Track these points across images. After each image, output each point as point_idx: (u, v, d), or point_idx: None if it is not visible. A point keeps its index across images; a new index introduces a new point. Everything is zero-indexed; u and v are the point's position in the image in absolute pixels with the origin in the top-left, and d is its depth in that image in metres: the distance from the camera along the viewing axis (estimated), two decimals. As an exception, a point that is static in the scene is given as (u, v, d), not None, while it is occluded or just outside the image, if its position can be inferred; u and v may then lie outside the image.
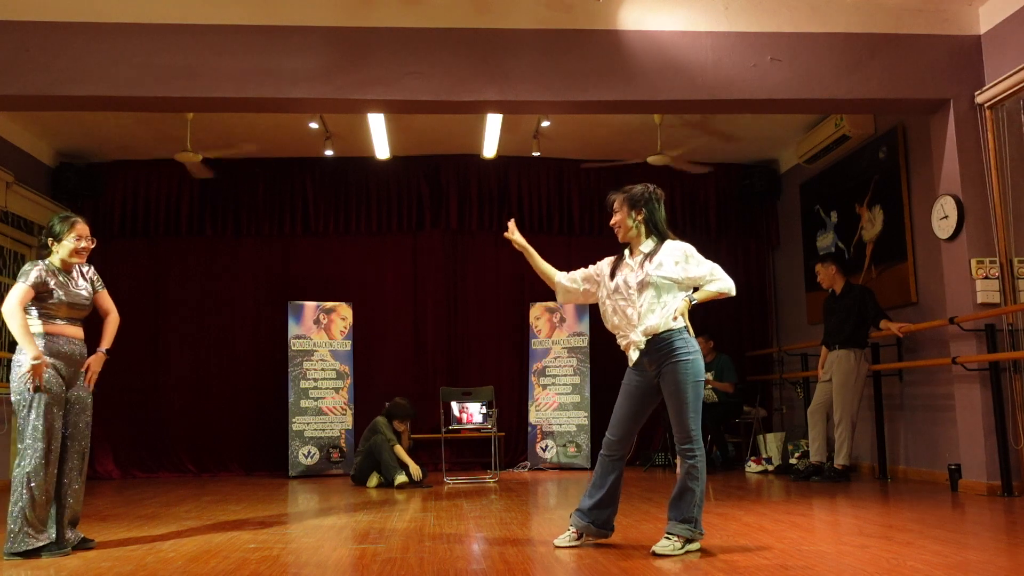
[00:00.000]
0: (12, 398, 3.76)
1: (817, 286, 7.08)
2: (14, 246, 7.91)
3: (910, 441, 6.76)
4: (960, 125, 5.82)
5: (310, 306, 8.26)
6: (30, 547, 3.66)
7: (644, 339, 3.66)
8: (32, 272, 3.83)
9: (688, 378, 3.61)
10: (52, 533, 3.76)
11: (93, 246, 4.03)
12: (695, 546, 3.56)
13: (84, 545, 3.88)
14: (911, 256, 6.71)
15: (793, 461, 7.49)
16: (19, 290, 3.78)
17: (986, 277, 5.63)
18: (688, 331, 3.67)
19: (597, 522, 3.76)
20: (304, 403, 8.08)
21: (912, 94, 5.85)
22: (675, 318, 3.65)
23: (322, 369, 8.19)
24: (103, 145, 8.22)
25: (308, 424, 8.05)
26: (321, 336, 8.22)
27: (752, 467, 7.69)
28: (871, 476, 6.95)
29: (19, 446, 3.76)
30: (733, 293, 3.73)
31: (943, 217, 5.88)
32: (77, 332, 3.97)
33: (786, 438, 7.98)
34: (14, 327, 3.75)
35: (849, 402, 6.50)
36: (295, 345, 8.14)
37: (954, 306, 5.81)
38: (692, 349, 3.64)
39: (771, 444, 7.95)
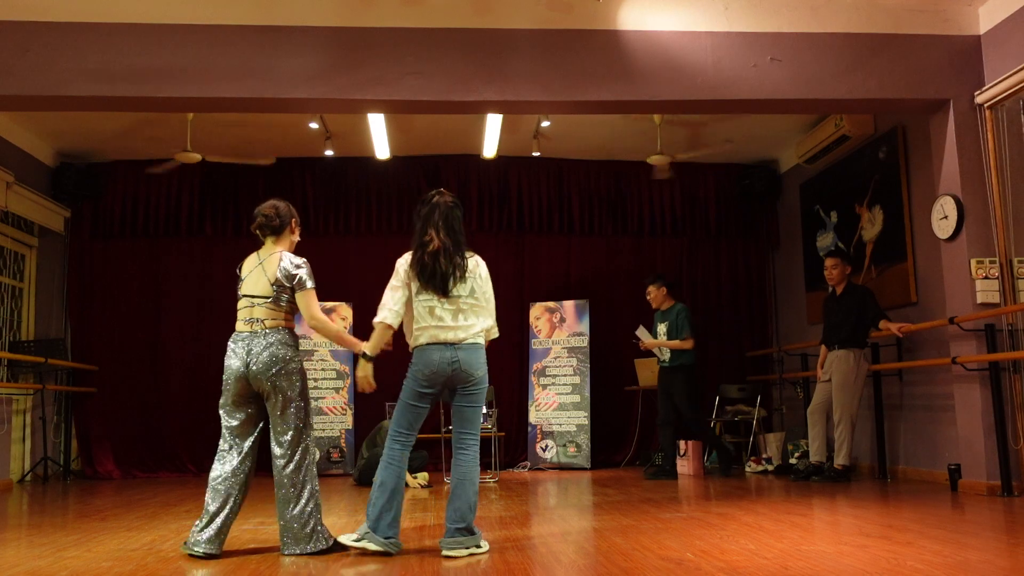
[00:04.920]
0: (295, 392, 3.71)
1: (817, 286, 7.08)
2: (14, 246, 7.92)
3: (910, 441, 6.76)
4: (960, 125, 5.82)
5: (310, 306, 8.25)
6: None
7: None
8: (308, 271, 3.79)
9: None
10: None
11: None
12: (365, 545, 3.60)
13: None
14: (911, 256, 6.71)
15: (793, 461, 7.50)
16: (315, 296, 3.80)
17: (986, 277, 5.63)
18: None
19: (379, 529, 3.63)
20: (304, 403, 8.08)
21: (912, 94, 5.85)
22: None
23: (322, 369, 8.19)
24: (103, 145, 8.22)
25: (308, 424, 8.05)
26: (321, 336, 8.21)
27: (752, 467, 7.69)
28: (871, 476, 6.95)
29: (302, 441, 3.74)
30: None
31: (943, 217, 5.88)
32: None
33: (786, 438, 7.98)
34: (331, 332, 3.92)
35: (848, 402, 6.49)
36: (295, 345, 8.14)
37: (954, 306, 5.81)
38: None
39: (771, 444, 7.95)
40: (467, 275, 3.75)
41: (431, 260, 3.71)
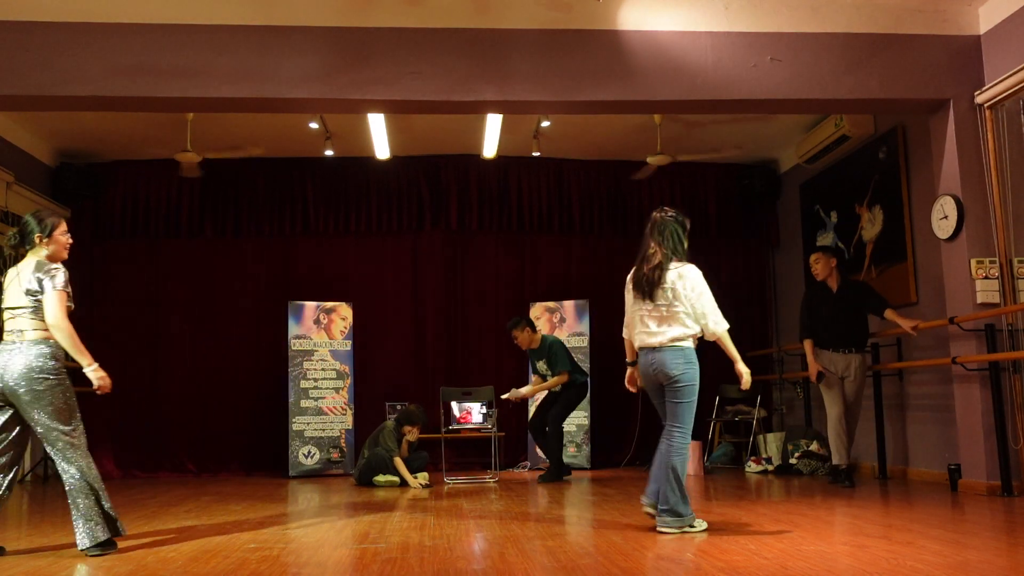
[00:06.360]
0: (53, 409, 3.76)
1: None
2: (14, 246, 7.92)
3: (910, 441, 6.76)
4: (960, 125, 5.82)
5: (310, 306, 8.26)
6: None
7: None
8: (62, 275, 3.79)
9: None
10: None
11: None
12: None
13: None
14: (911, 256, 6.71)
15: (793, 461, 7.49)
16: (62, 299, 3.76)
17: (986, 277, 5.63)
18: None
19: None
20: (304, 403, 8.08)
21: (912, 94, 5.85)
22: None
23: (322, 369, 8.19)
24: (103, 145, 8.21)
25: (308, 424, 8.05)
26: (321, 336, 8.22)
27: (752, 467, 7.69)
28: (871, 476, 6.95)
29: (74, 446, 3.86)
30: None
31: (943, 217, 5.88)
32: None
33: (786, 438, 7.96)
34: (67, 336, 3.74)
35: (861, 405, 6.47)
36: (295, 345, 8.14)
37: (954, 306, 5.81)
38: None
39: (771, 444, 7.95)
40: (667, 284, 4.07)
41: (649, 272, 4.13)
